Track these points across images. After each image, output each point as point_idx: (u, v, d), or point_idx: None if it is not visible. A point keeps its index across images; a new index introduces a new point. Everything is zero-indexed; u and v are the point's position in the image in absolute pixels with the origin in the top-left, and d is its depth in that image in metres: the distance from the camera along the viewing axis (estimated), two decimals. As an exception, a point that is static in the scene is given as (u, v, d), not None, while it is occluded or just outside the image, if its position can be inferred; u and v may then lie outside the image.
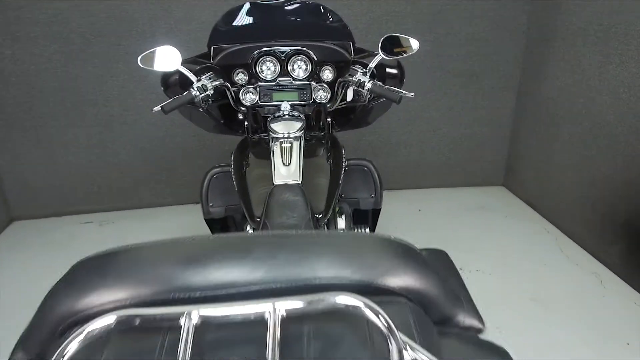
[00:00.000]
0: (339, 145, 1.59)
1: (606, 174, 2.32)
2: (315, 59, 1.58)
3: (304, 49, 1.58)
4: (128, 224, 2.86)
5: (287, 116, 1.54)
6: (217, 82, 1.51)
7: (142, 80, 2.68)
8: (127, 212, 2.99)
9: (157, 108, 1.40)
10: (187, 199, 3.05)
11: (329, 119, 1.69)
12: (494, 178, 3.36)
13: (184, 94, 1.43)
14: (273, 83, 1.61)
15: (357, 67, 1.57)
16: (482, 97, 3.06)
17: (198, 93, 1.43)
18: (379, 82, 1.51)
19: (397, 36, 1.49)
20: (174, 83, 1.57)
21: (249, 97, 1.60)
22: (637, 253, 2.18)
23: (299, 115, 1.54)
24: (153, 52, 1.42)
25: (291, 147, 1.43)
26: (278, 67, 1.60)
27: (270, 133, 1.48)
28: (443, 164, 3.25)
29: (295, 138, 1.45)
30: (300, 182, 1.35)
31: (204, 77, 1.49)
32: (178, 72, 1.46)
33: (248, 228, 1.52)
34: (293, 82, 1.62)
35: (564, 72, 2.59)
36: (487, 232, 2.74)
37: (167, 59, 1.43)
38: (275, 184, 1.35)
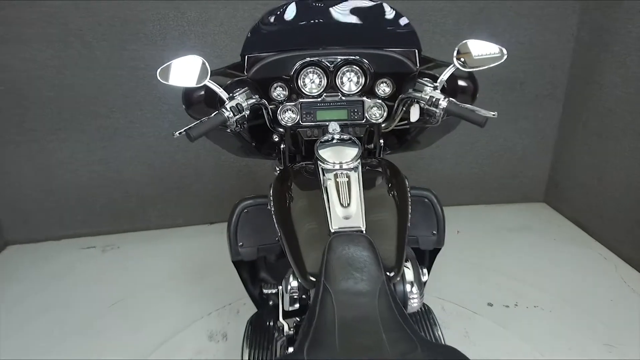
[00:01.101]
0: (399, 173, 1.30)
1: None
2: (372, 70, 1.29)
3: (357, 57, 1.29)
4: (134, 248, 2.56)
5: (336, 140, 1.24)
6: (253, 100, 1.22)
7: (150, 90, 2.38)
8: (133, 234, 2.69)
9: (181, 133, 1.12)
10: (200, 219, 2.76)
11: (381, 141, 1.41)
12: (535, 194, 3.07)
13: (214, 115, 1.14)
14: (318, 99, 1.32)
15: (425, 80, 1.27)
16: (525, 106, 2.77)
17: (232, 114, 1.14)
18: (453, 100, 1.22)
19: (477, 42, 1.20)
20: (198, 100, 1.28)
21: (288, 116, 1.32)
22: None
23: (352, 139, 1.24)
24: (176, 64, 1.13)
25: (349, 182, 1.13)
26: (325, 80, 1.31)
27: (319, 162, 1.18)
28: (480, 179, 2.96)
29: (352, 169, 1.16)
30: (364, 229, 1.06)
31: (237, 93, 1.20)
32: (205, 87, 1.17)
33: (292, 283, 1.23)
34: (342, 97, 1.33)
35: (626, 81, 2.30)
36: (536, 259, 2.45)
37: (193, 71, 1.14)
38: (332, 230, 1.05)
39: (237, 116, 1.16)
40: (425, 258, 1.52)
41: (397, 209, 1.18)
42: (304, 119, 1.32)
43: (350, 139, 1.25)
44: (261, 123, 1.33)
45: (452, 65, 1.22)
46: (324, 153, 1.19)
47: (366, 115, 1.33)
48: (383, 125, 1.36)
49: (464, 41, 1.21)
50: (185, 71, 1.13)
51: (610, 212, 2.49)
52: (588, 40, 2.54)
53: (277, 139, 1.40)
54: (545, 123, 2.84)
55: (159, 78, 1.12)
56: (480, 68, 1.21)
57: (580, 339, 1.88)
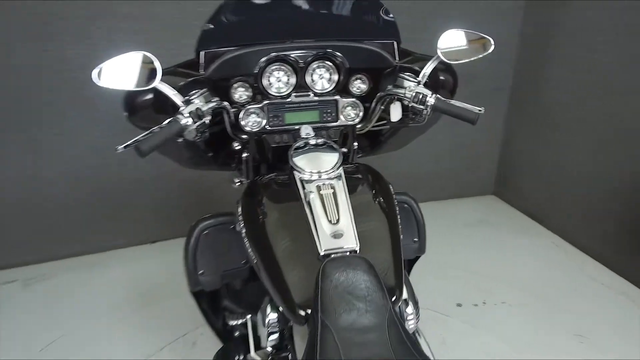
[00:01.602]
0: (382, 178, 1.17)
1: (633, 183, 2.09)
2: (346, 65, 1.15)
3: (330, 51, 1.15)
4: (67, 278, 2.25)
5: (311, 146, 1.09)
6: (214, 103, 1.05)
7: (76, 94, 2.09)
8: (64, 262, 2.37)
9: (127, 146, 0.92)
10: (143, 238, 2.49)
11: (355, 144, 1.28)
12: (485, 187, 3.10)
13: (168, 123, 0.96)
14: (286, 100, 1.16)
15: (407, 75, 1.16)
16: (476, 101, 2.74)
17: (191, 121, 0.96)
18: (439, 96, 1.11)
19: (463, 32, 1.10)
20: (144, 105, 1.07)
21: (252, 121, 1.15)
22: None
23: (329, 144, 1.10)
24: (116, 62, 0.93)
25: (334, 194, 0.99)
26: (293, 78, 1.16)
27: (295, 172, 1.03)
28: (433, 175, 2.94)
29: (335, 178, 1.02)
30: (358, 248, 0.92)
31: (194, 96, 1.02)
32: (153, 89, 0.97)
33: (271, 315, 1.07)
34: (313, 97, 1.18)
35: (573, 74, 2.34)
36: (496, 252, 2.45)
37: (139, 71, 0.95)
38: (322, 253, 0.90)
39: (197, 123, 0.98)
40: (405, 267, 1.41)
41: (388, 221, 1.05)
42: (271, 123, 1.16)
43: (325, 143, 1.10)
44: (218, 130, 1.15)
45: (435, 58, 1.12)
46: (300, 161, 1.04)
47: (340, 116, 1.19)
48: (358, 126, 1.23)
49: (447, 31, 1.11)
50: (129, 71, 0.94)
51: (561, 202, 2.54)
52: (533, 35, 2.57)
53: (238, 147, 1.22)
54: (494, 117, 2.86)
55: (95, 80, 0.91)
56: (466, 60, 1.11)
57: (550, 332, 1.87)
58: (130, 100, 1.06)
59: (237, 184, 1.41)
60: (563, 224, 2.53)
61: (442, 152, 2.90)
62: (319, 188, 0.98)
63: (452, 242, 2.53)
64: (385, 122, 1.25)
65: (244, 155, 1.23)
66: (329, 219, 0.94)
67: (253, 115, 1.15)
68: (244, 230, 1.03)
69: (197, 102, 1.00)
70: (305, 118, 1.18)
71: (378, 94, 1.18)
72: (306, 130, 1.13)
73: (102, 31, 2.04)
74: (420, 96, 1.09)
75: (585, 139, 2.32)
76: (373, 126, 1.25)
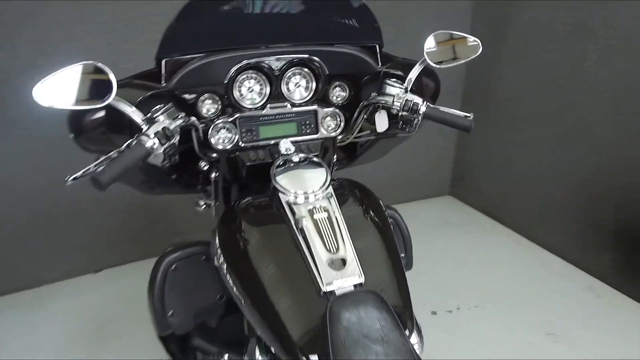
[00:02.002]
0: (371, 194, 1.07)
1: (588, 179, 2.15)
2: (325, 72, 1.04)
3: (307, 56, 1.03)
4: (-4, 319, 1.96)
5: (295, 163, 0.97)
6: (180, 120, 0.90)
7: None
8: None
9: (82, 177, 0.76)
10: (82, 268, 2.23)
11: (335, 157, 1.18)
12: (442, 188, 3.10)
13: (128, 146, 0.80)
14: (260, 112, 1.04)
15: (393, 82, 1.07)
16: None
17: (158, 143, 0.81)
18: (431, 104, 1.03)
19: (450, 34, 1.03)
20: (96, 124, 0.90)
21: (223, 137, 1.02)
22: (632, 261, 2.03)
23: (314, 160, 0.98)
24: (62, 77, 0.76)
25: (329, 218, 0.87)
26: (267, 88, 1.03)
27: (280, 194, 0.91)
28: (388, 178, 2.88)
29: (327, 199, 0.91)
30: (363, 280, 0.81)
31: (158, 113, 0.87)
32: (108, 106, 0.81)
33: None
34: (290, 108, 1.06)
35: (525, 72, 2.38)
36: (462, 255, 2.44)
37: (88, 86, 0.78)
38: (325, 290, 0.78)
39: (165, 145, 0.83)
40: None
41: (385, 243, 0.95)
42: (245, 139, 1.03)
43: (306, 159, 0.99)
44: (183, 149, 1.00)
45: (421, 62, 1.03)
46: (285, 181, 0.92)
47: (321, 127, 1.08)
48: (339, 137, 1.12)
49: (434, 33, 1.03)
50: (78, 86, 0.77)
51: (519, 200, 2.57)
52: (483, 33, 2.59)
53: (205, 167, 1.08)
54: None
55: (37, 100, 0.73)
56: (453, 64, 1.04)
57: (524, 333, 1.87)
58: (77, 118, 0.89)
59: (203, 207, 1.26)
60: (523, 222, 2.57)
61: (396, 154, 2.85)
62: (311, 212, 0.87)
63: (416, 247, 2.47)
64: (370, 132, 1.15)
65: (213, 175, 1.08)
66: (327, 247, 0.82)
67: (223, 131, 1.01)
68: (223, 263, 0.89)
69: (163, 119, 0.85)
70: (282, 131, 1.06)
71: (362, 103, 1.08)
72: (286, 145, 1.00)
73: (25, 38, 1.79)
74: (411, 104, 1.01)
75: (539, 136, 2.36)
76: (355, 137, 1.15)
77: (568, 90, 2.17)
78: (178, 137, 0.87)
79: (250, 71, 1.00)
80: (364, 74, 1.09)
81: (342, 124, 1.10)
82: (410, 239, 1.28)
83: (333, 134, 1.10)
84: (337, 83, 1.09)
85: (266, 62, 1.00)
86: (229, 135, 1.01)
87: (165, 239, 1.88)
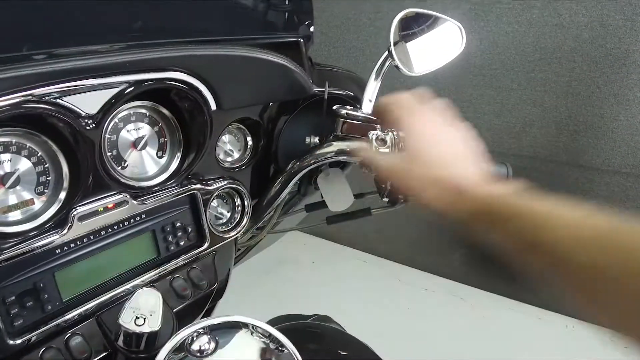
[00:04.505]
0: None
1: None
2: (212, 107, 0.49)
3: (162, 75, 0.46)
4: None
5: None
6: None
7: None
8: None
9: None
10: None
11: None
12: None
13: None
14: (52, 237, 0.43)
15: (341, 109, 0.58)
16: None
17: None
18: None
19: (426, 16, 0.60)
20: None
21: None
22: (479, 255, 2.04)
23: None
24: None
25: None
26: (65, 171, 0.42)
27: None
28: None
29: None
30: None
31: None
32: None
33: None
34: (134, 204, 0.47)
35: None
36: (320, 290, 2.08)
37: None
38: None
39: None
40: None
41: None
42: (19, 326, 0.40)
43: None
44: None
45: (378, 71, 0.58)
46: None
47: (205, 227, 0.53)
48: (242, 239, 0.60)
49: (399, 17, 0.57)
50: None
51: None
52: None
53: None
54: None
55: None
56: (433, 68, 0.61)
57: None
58: None
59: None
60: (359, 238, 2.36)
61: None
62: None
63: (264, 298, 2.02)
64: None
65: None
66: None
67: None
68: None
69: None
70: (124, 266, 0.51)
71: (296, 164, 0.56)
72: (147, 303, 0.43)
73: None
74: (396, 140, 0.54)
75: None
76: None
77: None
78: None
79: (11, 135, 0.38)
80: (287, 102, 0.57)
81: (235, 214, 0.56)
82: None
83: (228, 236, 0.55)
84: (230, 127, 0.54)
85: (61, 98, 0.39)
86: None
87: None
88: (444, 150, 0.47)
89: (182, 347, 0.43)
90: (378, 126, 0.56)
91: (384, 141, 0.53)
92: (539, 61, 1.66)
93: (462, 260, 2.08)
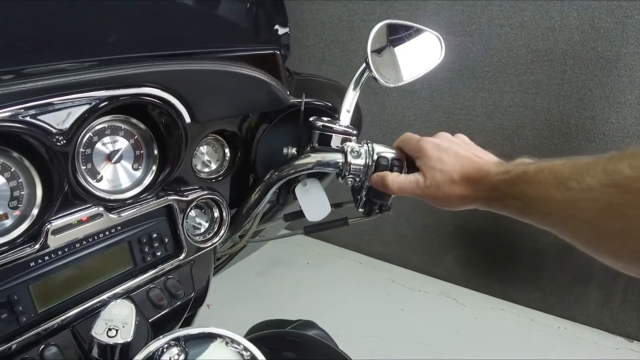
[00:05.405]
0: None
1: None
2: (188, 119, 0.49)
3: (137, 90, 0.46)
4: None
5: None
6: None
7: None
8: None
9: None
10: None
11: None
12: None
13: None
14: (30, 249, 0.43)
15: (320, 121, 0.58)
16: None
17: None
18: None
19: (403, 26, 0.60)
20: None
21: None
22: (474, 257, 2.04)
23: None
24: None
25: None
26: (38, 187, 0.42)
27: None
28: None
29: None
30: None
31: None
32: None
33: None
34: (110, 217, 0.48)
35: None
36: (322, 293, 2.08)
37: None
38: None
39: None
40: None
41: None
42: None
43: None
44: None
45: (356, 82, 0.58)
46: None
47: (182, 237, 0.53)
48: (222, 248, 0.60)
49: (377, 28, 0.58)
50: None
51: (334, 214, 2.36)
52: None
53: None
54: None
55: None
56: (412, 79, 0.62)
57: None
58: None
59: None
60: (354, 240, 2.37)
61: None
62: None
63: (258, 299, 2.02)
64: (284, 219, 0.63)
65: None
66: None
67: None
68: None
69: None
70: (97, 278, 0.48)
71: (275, 174, 0.56)
72: (120, 314, 0.43)
73: None
74: (373, 153, 0.54)
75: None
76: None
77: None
78: None
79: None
80: (265, 112, 0.57)
81: (215, 224, 0.57)
82: None
83: (205, 247, 0.55)
84: (208, 138, 0.55)
85: (32, 117, 0.40)
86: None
87: None
88: (457, 150, 0.55)
89: (152, 358, 0.43)
90: (354, 138, 0.57)
91: (358, 153, 0.54)
92: (531, 64, 1.66)
93: (456, 262, 2.08)
